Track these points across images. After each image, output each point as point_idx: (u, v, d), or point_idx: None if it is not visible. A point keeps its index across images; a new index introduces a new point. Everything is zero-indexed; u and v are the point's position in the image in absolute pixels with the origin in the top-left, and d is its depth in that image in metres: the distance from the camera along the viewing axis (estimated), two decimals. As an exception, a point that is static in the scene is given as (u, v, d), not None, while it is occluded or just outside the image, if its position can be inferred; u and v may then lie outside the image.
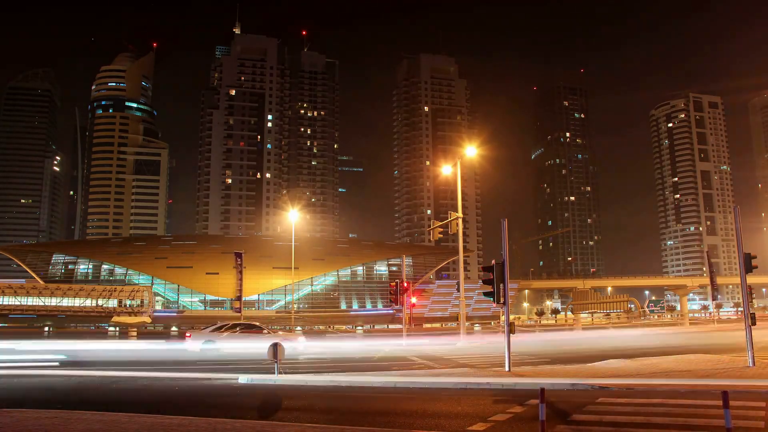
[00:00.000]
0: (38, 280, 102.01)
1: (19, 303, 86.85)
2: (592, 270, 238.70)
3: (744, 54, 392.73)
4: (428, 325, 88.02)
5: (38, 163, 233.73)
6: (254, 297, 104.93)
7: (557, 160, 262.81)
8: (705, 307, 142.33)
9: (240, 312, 51.26)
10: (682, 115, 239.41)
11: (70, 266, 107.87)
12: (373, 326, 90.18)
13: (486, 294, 20.86)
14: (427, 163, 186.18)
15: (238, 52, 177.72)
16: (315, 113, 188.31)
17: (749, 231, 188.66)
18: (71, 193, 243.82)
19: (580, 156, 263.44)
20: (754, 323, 20.16)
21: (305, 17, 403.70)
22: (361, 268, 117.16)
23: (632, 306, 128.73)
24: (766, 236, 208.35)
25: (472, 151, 48.19)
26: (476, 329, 75.27)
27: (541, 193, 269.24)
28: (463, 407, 13.52)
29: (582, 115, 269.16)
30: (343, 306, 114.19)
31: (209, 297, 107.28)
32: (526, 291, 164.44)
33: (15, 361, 26.28)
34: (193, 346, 30.25)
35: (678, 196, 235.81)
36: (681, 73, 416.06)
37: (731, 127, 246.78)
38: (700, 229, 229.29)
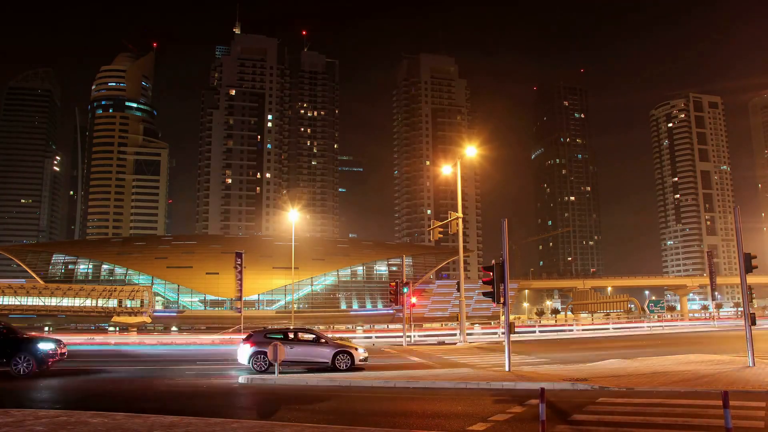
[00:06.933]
0: (38, 280, 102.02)
1: (19, 303, 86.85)
2: (592, 270, 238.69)
3: (744, 54, 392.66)
4: (428, 325, 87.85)
5: (38, 163, 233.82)
6: (254, 297, 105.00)
7: (557, 160, 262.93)
8: (705, 307, 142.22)
9: (241, 312, 51.38)
10: (682, 115, 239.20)
11: (70, 266, 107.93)
12: (373, 326, 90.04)
13: (486, 294, 20.85)
14: (427, 163, 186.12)
15: (238, 52, 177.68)
16: (315, 113, 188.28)
17: (749, 231, 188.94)
18: (71, 193, 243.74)
19: (580, 156, 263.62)
20: (754, 323, 20.14)
21: (305, 17, 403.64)
22: (361, 268, 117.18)
23: (632, 306, 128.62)
24: (766, 236, 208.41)
25: (472, 151, 48.20)
26: (476, 329, 75.13)
27: (541, 193, 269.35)
28: (463, 407, 13.50)
29: (582, 115, 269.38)
30: (343, 306, 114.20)
31: (209, 297, 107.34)
32: (526, 291, 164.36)
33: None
34: None
35: (678, 196, 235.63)
36: (681, 72, 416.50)
37: (731, 127, 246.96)
38: (700, 229, 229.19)
